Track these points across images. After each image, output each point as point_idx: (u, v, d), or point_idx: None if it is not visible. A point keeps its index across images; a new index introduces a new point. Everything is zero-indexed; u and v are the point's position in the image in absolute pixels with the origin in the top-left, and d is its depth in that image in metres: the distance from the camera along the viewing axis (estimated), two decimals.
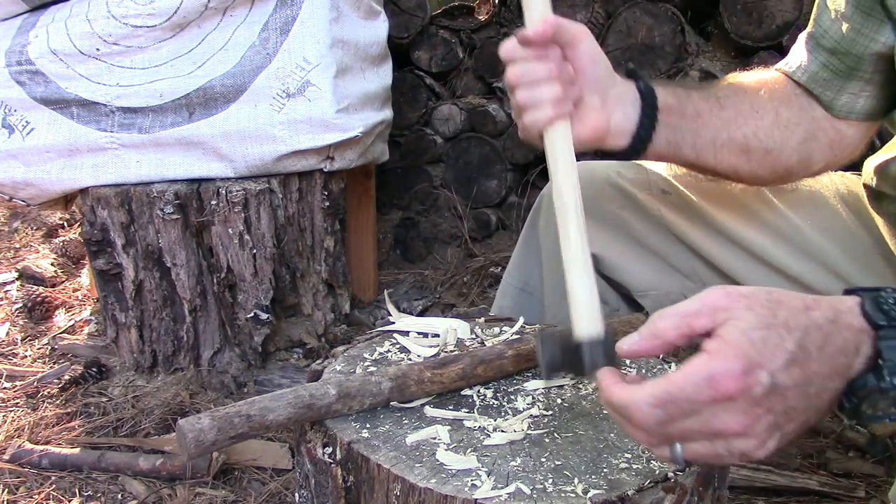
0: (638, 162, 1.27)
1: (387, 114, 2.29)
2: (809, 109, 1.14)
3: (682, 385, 0.64)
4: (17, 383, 2.05)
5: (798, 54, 1.16)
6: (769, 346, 0.64)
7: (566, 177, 0.87)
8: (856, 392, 0.68)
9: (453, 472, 0.78)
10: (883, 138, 1.23)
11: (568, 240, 0.84)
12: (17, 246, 3.09)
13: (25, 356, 2.21)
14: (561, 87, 0.93)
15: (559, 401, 0.96)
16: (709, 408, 0.64)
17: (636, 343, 0.69)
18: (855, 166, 1.23)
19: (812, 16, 1.14)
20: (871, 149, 1.19)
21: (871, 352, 0.68)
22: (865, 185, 1.17)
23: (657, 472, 0.80)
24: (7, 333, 2.34)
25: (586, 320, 0.79)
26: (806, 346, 0.65)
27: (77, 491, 1.64)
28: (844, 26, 1.07)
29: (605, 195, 1.28)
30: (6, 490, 1.63)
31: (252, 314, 2.00)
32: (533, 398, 0.96)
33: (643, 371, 1.06)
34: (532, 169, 2.72)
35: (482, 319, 1.19)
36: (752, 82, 1.16)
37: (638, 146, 1.06)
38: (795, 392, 0.65)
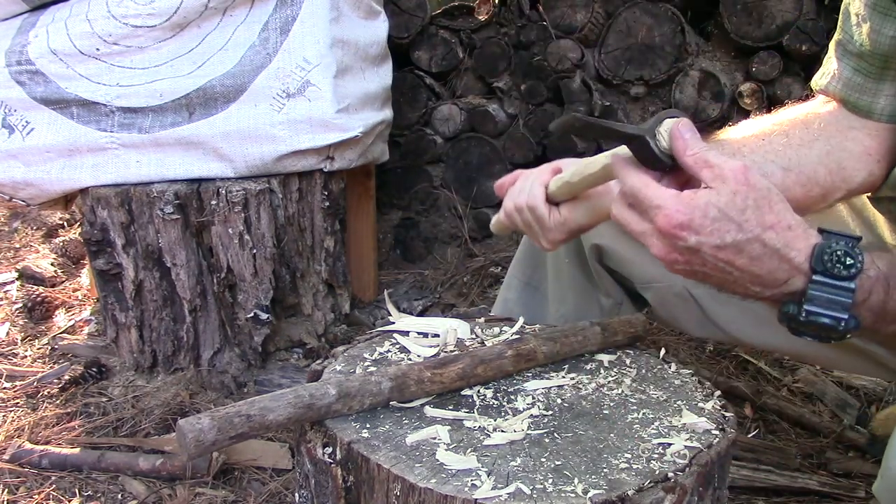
0: None
1: (387, 114, 2.29)
2: (834, 123, 1.13)
3: (647, 193, 0.82)
4: (17, 383, 2.05)
5: (829, 65, 1.16)
6: (714, 225, 0.79)
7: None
8: (783, 313, 0.84)
9: (453, 472, 0.78)
10: None
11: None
12: (17, 246, 3.09)
13: (25, 356, 2.21)
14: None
15: (559, 401, 0.96)
16: (650, 225, 0.83)
17: (677, 132, 0.82)
18: None
19: (838, 23, 1.14)
20: None
21: (802, 287, 0.81)
22: None
23: (657, 472, 0.80)
24: (7, 333, 2.34)
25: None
26: (741, 248, 0.80)
27: (77, 491, 1.64)
28: (865, 28, 1.07)
29: None
30: (6, 490, 1.63)
31: (252, 314, 2.00)
32: (533, 398, 0.96)
33: (642, 371, 1.06)
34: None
35: (482, 319, 1.20)
36: (764, 123, 1.16)
37: None
38: (714, 267, 0.82)
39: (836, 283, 0.79)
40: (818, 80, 1.18)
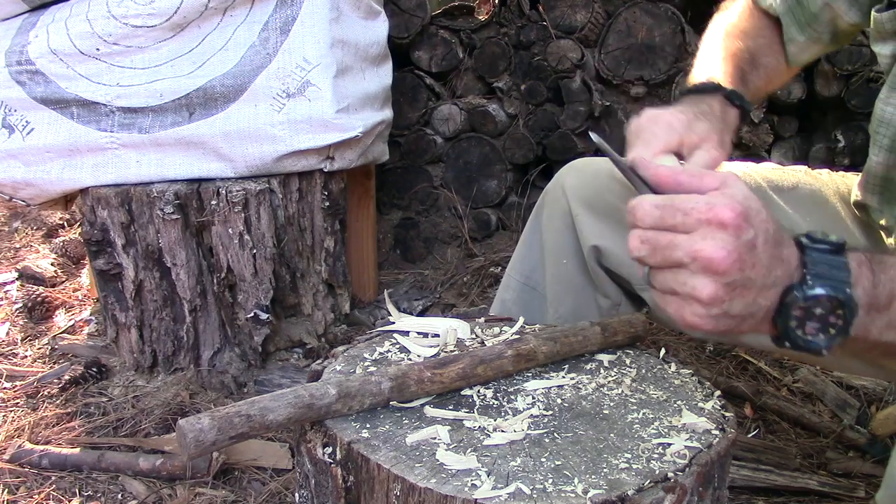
0: None
1: (387, 114, 2.29)
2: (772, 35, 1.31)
3: (685, 199, 0.74)
4: (17, 383, 2.05)
5: None
6: (761, 216, 0.74)
7: None
8: (784, 308, 0.76)
9: (453, 472, 0.78)
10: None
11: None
12: (17, 246, 3.09)
13: (25, 356, 2.21)
14: None
15: (559, 401, 0.96)
16: (700, 228, 0.72)
17: (656, 168, 0.79)
18: (855, 166, 1.24)
19: None
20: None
21: (800, 275, 0.76)
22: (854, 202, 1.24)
23: (657, 472, 0.80)
24: (7, 333, 2.34)
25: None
26: (778, 240, 0.75)
27: (77, 491, 1.64)
28: None
29: (608, 189, 1.28)
30: (6, 490, 1.63)
31: (252, 314, 2.00)
32: (533, 398, 0.96)
33: (642, 371, 1.06)
34: (532, 169, 2.72)
35: (482, 319, 1.19)
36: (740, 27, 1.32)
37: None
38: (758, 270, 0.73)
39: (830, 257, 0.76)
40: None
